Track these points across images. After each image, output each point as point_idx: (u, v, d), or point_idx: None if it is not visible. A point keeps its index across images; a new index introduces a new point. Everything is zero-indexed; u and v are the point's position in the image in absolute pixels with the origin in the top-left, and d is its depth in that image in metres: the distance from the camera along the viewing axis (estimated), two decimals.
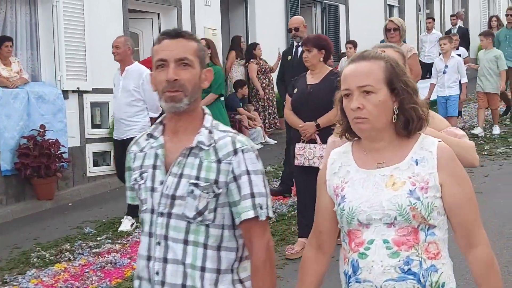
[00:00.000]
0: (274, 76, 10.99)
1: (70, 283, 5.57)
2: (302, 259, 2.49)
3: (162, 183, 2.34)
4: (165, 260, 2.30)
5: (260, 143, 11.94)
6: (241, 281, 2.35)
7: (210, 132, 2.36)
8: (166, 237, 2.31)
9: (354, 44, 12.78)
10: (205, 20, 11.94)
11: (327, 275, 2.47)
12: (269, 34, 13.52)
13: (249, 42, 13.00)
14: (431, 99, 10.71)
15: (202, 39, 8.99)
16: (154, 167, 2.38)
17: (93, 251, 6.41)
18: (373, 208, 2.21)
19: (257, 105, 12.50)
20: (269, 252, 2.33)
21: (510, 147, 9.67)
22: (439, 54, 10.56)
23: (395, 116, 2.23)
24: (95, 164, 9.68)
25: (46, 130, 8.43)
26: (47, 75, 9.25)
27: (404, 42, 7.48)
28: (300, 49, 7.64)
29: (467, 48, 14.79)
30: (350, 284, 2.26)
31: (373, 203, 2.21)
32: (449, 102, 10.29)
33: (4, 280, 5.74)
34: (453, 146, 2.61)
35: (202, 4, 11.94)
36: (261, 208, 2.30)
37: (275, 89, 11.45)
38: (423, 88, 11.00)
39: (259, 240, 2.32)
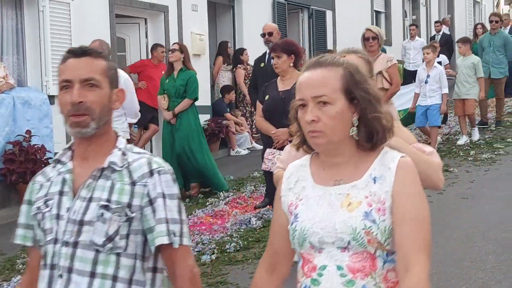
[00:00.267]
0: None
1: None
2: (253, 280, 2.28)
3: (69, 209, 2.13)
4: None
5: (247, 148, 11.96)
6: None
7: (124, 153, 2.19)
8: (70, 270, 2.09)
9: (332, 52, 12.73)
10: (192, 25, 11.94)
11: None
12: (256, 39, 13.44)
13: (236, 48, 13.02)
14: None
15: (174, 43, 8.98)
16: (61, 193, 2.17)
17: None
18: (326, 230, 2.00)
19: (244, 111, 12.51)
20: (192, 281, 2.15)
21: (496, 152, 9.73)
22: (423, 61, 10.54)
23: (355, 128, 2.03)
24: None
25: (32, 135, 8.37)
26: (33, 80, 9.21)
27: (383, 51, 7.49)
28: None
29: (451, 55, 14.83)
30: None
31: (326, 225, 2.01)
32: (430, 112, 10.17)
33: None
34: (420, 162, 2.50)
35: (189, 10, 11.93)
36: (174, 235, 2.11)
37: None
38: (404, 94, 10.99)
39: (179, 269, 2.14)
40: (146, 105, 9.66)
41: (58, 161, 2.25)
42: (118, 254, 2.10)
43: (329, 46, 16.01)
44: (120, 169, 2.15)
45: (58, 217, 2.14)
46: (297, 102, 2.08)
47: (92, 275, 2.08)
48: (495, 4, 34.23)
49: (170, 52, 8.43)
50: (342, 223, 1.99)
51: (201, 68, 12.15)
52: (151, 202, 2.12)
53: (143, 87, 10.41)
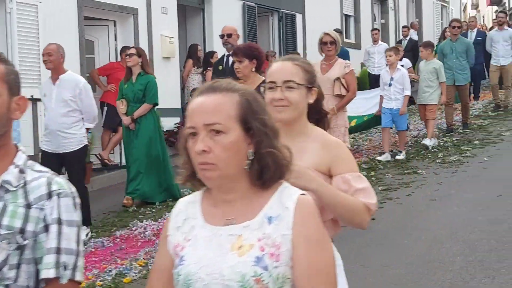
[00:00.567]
0: None
1: None
2: None
3: None
4: None
5: None
6: None
7: (22, 171, 1.94)
8: None
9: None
10: (162, 28, 11.90)
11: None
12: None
13: (207, 51, 13.00)
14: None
15: (132, 47, 8.84)
16: None
17: None
18: (212, 276, 1.78)
19: None
20: None
21: (463, 155, 9.86)
22: (387, 65, 10.48)
23: (249, 161, 1.82)
24: None
25: None
26: None
27: (344, 54, 7.48)
28: (231, 58, 7.30)
29: (416, 61, 14.88)
30: None
31: (213, 270, 1.79)
32: (396, 116, 10.07)
33: None
34: (338, 206, 2.44)
35: (159, 12, 11.88)
36: (65, 268, 1.86)
37: None
38: (370, 99, 11.02)
39: None
40: (115, 108, 9.59)
41: None
42: (7, 286, 1.86)
43: (299, 49, 16.09)
44: (14, 189, 1.90)
45: None
46: (187, 130, 1.84)
47: None
48: (462, 8, 34.73)
49: (127, 57, 8.19)
50: (230, 269, 1.77)
51: (171, 71, 12.12)
52: (46, 229, 1.87)
53: (112, 90, 10.33)
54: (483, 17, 43.49)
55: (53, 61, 6.84)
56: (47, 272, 1.85)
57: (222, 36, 8.06)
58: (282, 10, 15.82)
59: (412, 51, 15.48)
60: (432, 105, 10.72)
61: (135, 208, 8.11)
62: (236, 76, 5.70)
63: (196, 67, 12.51)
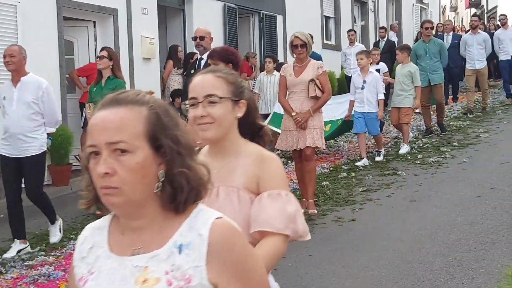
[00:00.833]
0: None
1: None
2: None
3: None
4: None
5: None
6: None
7: None
8: None
9: (274, 59, 12.49)
10: (142, 29, 11.85)
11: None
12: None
13: (187, 52, 12.98)
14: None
15: (102, 49, 8.70)
16: None
17: (26, 263, 6.25)
18: None
19: None
20: None
21: (442, 156, 9.93)
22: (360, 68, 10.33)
23: (160, 183, 1.61)
24: None
25: None
26: None
27: (316, 57, 7.41)
28: (203, 61, 7.34)
29: (393, 62, 14.87)
30: None
31: None
32: (369, 121, 9.95)
33: None
34: (268, 267, 2.23)
35: (139, 13, 11.84)
36: None
37: None
38: (344, 102, 10.92)
39: None
40: None
41: None
42: None
43: (280, 50, 16.13)
44: None
45: None
46: (87, 149, 1.63)
47: None
48: (441, 10, 35.01)
49: (98, 59, 7.94)
50: None
51: (151, 72, 12.08)
52: None
53: None
54: (462, 19, 43.90)
55: (15, 62, 6.62)
56: None
57: (194, 39, 7.90)
58: (263, 11, 15.83)
59: (390, 52, 15.48)
60: (406, 109, 10.62)
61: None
62: None
63: (176, 68, 12.47)
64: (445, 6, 42.71)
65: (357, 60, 10.18)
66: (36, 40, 9.41)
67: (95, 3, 10.82)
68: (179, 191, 1.62)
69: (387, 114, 12.40)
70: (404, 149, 10.56)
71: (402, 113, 10.61)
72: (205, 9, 13.69)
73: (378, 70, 12.03)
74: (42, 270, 5.96)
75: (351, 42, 15.67)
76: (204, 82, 2.43)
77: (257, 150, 2.48)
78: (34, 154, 6.70)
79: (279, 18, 16.57)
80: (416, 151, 10.50)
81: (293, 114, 7.17)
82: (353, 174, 9.20)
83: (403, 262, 5.55)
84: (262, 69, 13.56)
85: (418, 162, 9.70)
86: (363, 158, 10.00)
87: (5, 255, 6.56)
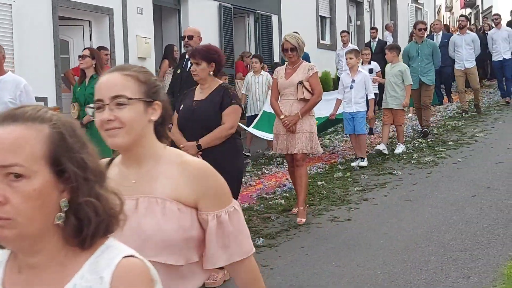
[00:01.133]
0: None
1: None
2: None
3: None
4: None
5: None
6: None
7: None
8: None
9: (260, 59, 12.21)
10: (138, 28, 11.85)
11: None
12: (202, 43, 13.48)
13: (182, 51, 12.96)
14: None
15: (85, 48, 8.64)
16: None
17: None
18: None
19: None
20: None
21: (438, 155, 9.94)
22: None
23: (63, 214, 1.38)
24: None
25: None
26: None
27: (304, 59, 7.30)
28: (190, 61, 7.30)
29: (386, 62, 14.83)
30: None
31: None
32: (356, 120, 9.82)
33: None
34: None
35: (135, 12, 11.83)
36: None
37: None
38: (329, 100, 10.85)
39: None
40: None
41: None
42: None
43: (275, 50, 16.14)
44: None
45: None
46: None
47: None
48: (437, 11, 35.09)
49: (80, 59, 7.76)
50: None
51: None
52: None
53: None
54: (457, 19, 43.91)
55: None
56: None
57: (183, 38, 7.77)
58: (258, 11, 15.84)
59: (382, 53, 15.43)
60: (400, 111, 10.58)
61: None
62: (193, 80, 5.47)
63: (172, 67, 12.45)
64: (440, 6, 42.75)
65: (346, 59, 10.08)
66: (31, 40, 9.40)
67: (90, 3, 10.82)
68: (86, 224, 1.39)
69: (378, 117, 12.39)
70: (400, 148, 10.55)
71: (395, 114, 10.56)
72: (200, 8, 13.69)
73: (371, 70, 12.00)
74: None
75: (344, 44, 15.52)
76: (111, 82, 2.11)
77: (181, 155, 2.20)
78: None
79: (275, 18, 16.58)
80: (412, 151, 10.51)
81: (282, 117, 7.05)
82: (348, 174, 9.21)
83: (398, 261, 5.56)
84: None
85: (414, 161, 9.71)
86: (358, 158, 9.98)
87: None
